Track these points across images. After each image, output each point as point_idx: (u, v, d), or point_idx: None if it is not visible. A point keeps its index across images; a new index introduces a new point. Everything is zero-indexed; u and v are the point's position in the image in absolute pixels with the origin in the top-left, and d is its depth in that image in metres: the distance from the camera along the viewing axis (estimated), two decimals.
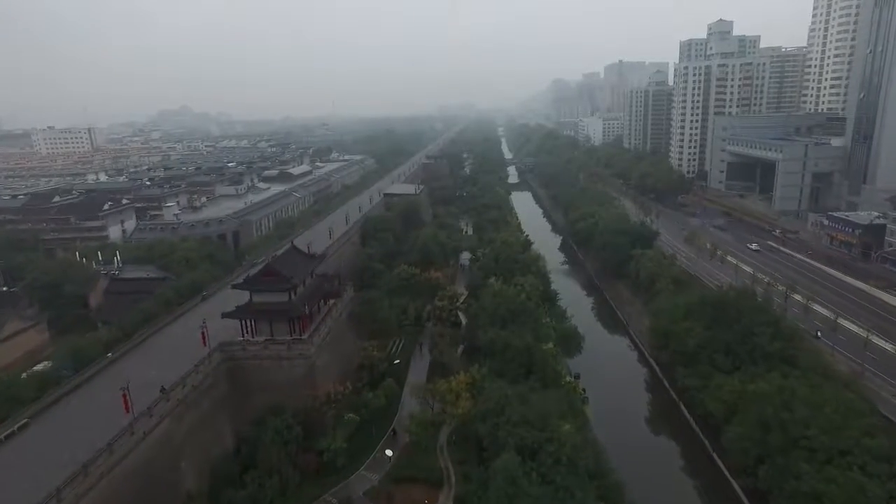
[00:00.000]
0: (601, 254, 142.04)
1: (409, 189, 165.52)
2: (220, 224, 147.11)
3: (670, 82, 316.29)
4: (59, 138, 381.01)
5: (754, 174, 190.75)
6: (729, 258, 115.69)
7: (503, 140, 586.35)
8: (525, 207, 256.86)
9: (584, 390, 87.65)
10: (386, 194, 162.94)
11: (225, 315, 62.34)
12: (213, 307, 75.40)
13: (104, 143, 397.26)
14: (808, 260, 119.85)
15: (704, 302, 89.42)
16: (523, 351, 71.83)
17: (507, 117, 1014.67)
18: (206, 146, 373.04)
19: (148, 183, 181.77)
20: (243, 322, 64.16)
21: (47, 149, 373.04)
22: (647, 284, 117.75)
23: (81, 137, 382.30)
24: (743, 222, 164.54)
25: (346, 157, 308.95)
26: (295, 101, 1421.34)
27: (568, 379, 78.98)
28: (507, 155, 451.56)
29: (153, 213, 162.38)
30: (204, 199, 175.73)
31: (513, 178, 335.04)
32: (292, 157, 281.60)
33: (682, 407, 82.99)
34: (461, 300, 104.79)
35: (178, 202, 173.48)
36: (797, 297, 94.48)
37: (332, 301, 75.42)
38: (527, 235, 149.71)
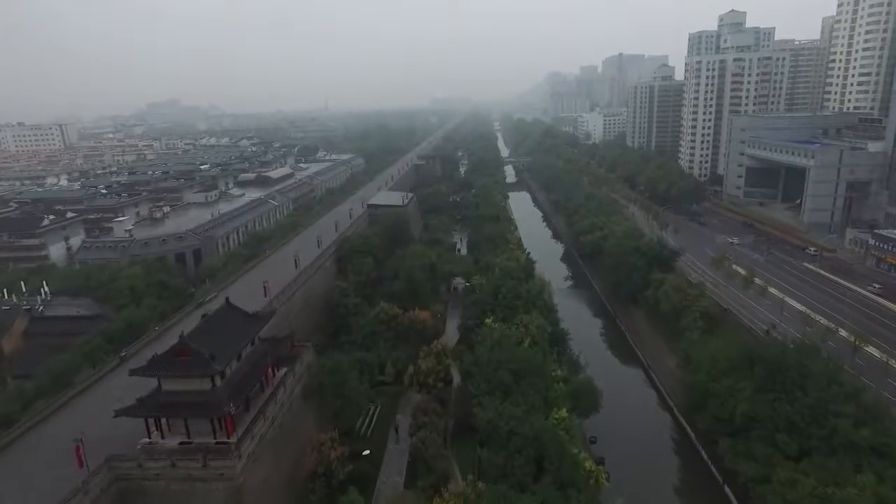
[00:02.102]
0: (613, 275, 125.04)
1: (397, 198, 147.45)
2: (178, 241, 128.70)
3: (675, 77, 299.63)
4: (29, 135, 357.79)
5: (776, 180, 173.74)
6: (771, 290, 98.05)
7: (499, 135, 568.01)
8: (524, 210, 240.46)
9: (603, 462, 71.26)
10: (370, 205, 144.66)
11: (119, 413, 44.51)
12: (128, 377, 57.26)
13: (77, 141, 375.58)
14: (870, 295, 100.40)
15: (752, 357, 72.41)
16: (533, 440, 54.42)
17: (503, 111, 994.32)
18: (185, 144, 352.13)
19: (104, 191, 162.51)
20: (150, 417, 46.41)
21: (16, 147, 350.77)
22: (670, 317, 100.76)
23: (52, 134, 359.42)
24: (768, 236, 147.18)
25: (333, 157, 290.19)
26: (289, 95, 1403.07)
27: (588, 465, 61.67)
28: (504, 151, 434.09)
29: (109, 226, 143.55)
30: (167, 208, 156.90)
31: (510, 176, 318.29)
32: (274, 157, 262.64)
33: (730, 494, 65.98)
34: (454, 344, 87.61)
35: (138, 212, 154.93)
36: (872, 350, 76.73)
37: (282, 371, 57.63)
38: (528, 254, 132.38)
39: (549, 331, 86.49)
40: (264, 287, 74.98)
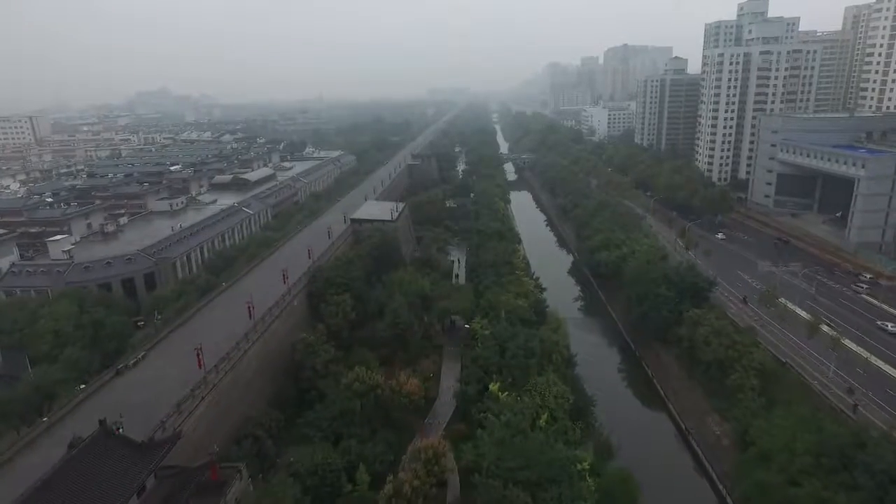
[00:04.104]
0: (636, 305, 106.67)
1: (385, 211, 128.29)
2: (126, 264, 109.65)
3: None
4: None
5: (812, 189, 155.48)
6: (846, 342, 79.22)
7: (497, 128, 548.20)
8: (526, 213, 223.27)
9: None
10: (354, 220, 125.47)
11: None
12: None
13: (50, 134, 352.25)
14: None
15: (849, 454, 54.56)
16: None
17: (502, 102, 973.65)
18: (164, 138, 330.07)
19: (49, 199, 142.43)
20: None
21: None
22: (712, 368, 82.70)
23: (22, 127, 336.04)
24: (809, 256, 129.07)
25: (322, 154, 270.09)
26: (284, 83, 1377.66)
27: None
28: (503, 145, 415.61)
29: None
30: (123, 220, 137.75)
31: (510, 173, 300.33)
32: (257, 154, 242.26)
33: None
34: (450, 416, 69.49)
35: (89, 224, 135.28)
36: None
37: None
38: (537, 279, 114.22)
39: (570, 400, 68.24)
40: (197, 356, 56.28)
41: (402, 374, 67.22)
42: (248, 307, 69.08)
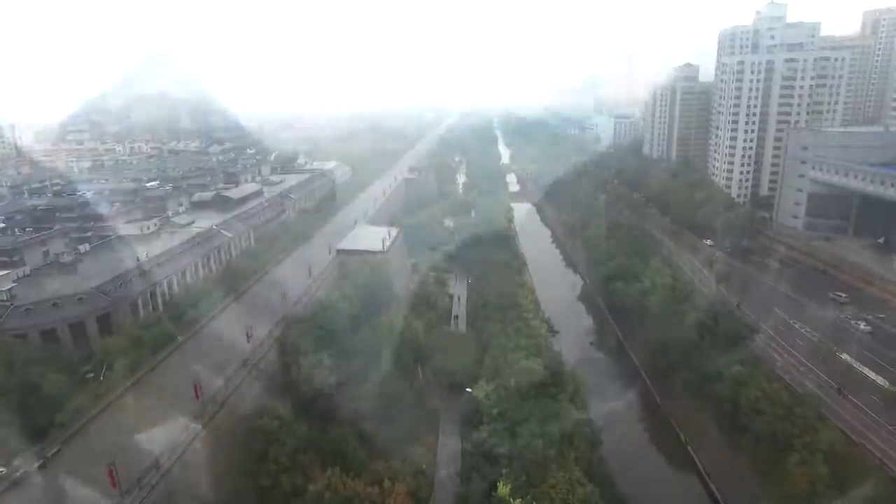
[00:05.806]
0: (662, 353, 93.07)
1: (377, 239, 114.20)
2: (77, 304, 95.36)
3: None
4: None
5: (847, 210, 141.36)
6: None
7: (499, 134, 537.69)
8: (530, 229, 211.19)
9: None
10: (340, 251, 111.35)
11: None
12: None
13: (31, 143, 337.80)
14: None
15: None
16: None
17: (502, 106, 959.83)
18: (151, 148, 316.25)
19: (1, 224, 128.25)
20: None
21: None
22: (763, 441, 68.86)
23: (1, 136, 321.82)
24: (850, 287, 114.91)
25: (315, 166, 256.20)
26: (284, 84, 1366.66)
27: None
28: (504, 153, 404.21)
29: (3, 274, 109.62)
30: (84, 247, 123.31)
31: (512, 184, 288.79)
32: (245, 166, 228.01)
33: None
34: None
35: (46, 251, 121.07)
36: None
37: None
38: (548, 320, 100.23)
39: None
40: (111, 473, 42.05)
41: (387, 479, 52.67)
42: (196, 387, 54.72)
